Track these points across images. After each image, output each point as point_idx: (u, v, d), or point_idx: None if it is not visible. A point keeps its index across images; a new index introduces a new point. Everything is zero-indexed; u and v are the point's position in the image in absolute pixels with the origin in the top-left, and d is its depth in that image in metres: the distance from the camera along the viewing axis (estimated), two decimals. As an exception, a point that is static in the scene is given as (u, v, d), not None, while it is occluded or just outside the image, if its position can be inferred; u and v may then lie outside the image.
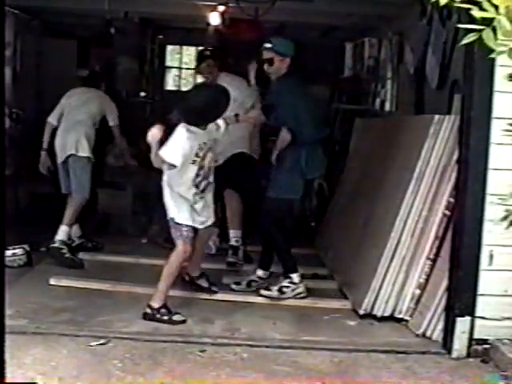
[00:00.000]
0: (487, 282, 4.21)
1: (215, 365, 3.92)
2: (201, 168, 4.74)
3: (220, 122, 4.86)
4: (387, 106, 7.85)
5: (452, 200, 4.56)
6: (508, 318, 4.23)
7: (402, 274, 4.76)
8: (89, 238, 6.57)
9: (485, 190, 4.12)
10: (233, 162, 6.11)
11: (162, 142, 4.60)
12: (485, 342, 4.22)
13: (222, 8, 7.56)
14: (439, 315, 4.42)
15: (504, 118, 4.12)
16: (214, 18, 7.82)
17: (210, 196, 4.91)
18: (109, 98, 6.51)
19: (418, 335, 4.50)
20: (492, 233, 4.17)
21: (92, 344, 4.08)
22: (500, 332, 4.22)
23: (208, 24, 8.17)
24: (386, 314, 4.77)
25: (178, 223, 4.73)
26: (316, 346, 4.30)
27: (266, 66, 5.18)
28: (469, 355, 4.20)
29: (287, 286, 5.14)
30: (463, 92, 4.44)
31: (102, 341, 4.12)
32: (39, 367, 3.70)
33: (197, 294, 5.16)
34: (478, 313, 4.22)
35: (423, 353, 4.26)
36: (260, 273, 5.40)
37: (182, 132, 4.66)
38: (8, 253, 5.46)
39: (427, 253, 4.69)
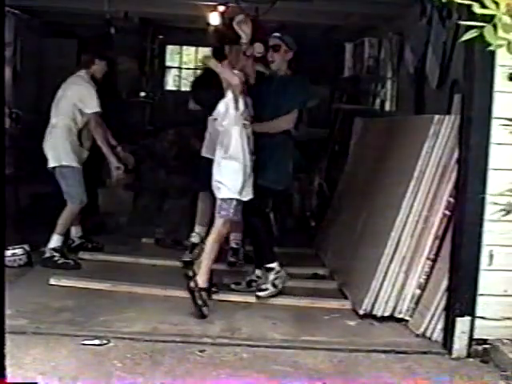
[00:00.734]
0: (487, 281, 4.21)
1: (215, 365, 3.92)
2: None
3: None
4: (387, 106, 7.86)
5: (452, 200, 4.56)
6: (508, 318, 4.23)
7: (402, 274, 4.76)
8: (89, 238, 6.56)
9: (485, 189, 4.11)
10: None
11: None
12: (485, 341, 4.22)
13: (222, 8, 7.55)
14: (439, 315, 4.41)
15: (504, 118, 4.12)
16: (214, 18, 7.81)
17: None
18: (88, 84, 6.05)
19: (418, 335, 4.50)
20: (492, 233, 4.17)
21: (85, 343, 4.08)
22: (500, 332, 4.22)
23: (208, 24, 8.16)
24: (386, 314, 4.77)
25: (236, 199, 4.88)
26: (316, 346, 4.30)
27: (270, 54, 5.31)
28: (469, 355, 4.20)
29: (276, 278, 5.19)
30: (463, 92, 4.44)
31: (96, 341, 4.12)
32: (39, 367, 3.70)
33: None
34: (478, 313, 4.22)
35: (423, 353, 4.25)
36: (258, 272, 5.41)
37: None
38: (8, 253, 5.47)
39: (427, 253, 4.68)
